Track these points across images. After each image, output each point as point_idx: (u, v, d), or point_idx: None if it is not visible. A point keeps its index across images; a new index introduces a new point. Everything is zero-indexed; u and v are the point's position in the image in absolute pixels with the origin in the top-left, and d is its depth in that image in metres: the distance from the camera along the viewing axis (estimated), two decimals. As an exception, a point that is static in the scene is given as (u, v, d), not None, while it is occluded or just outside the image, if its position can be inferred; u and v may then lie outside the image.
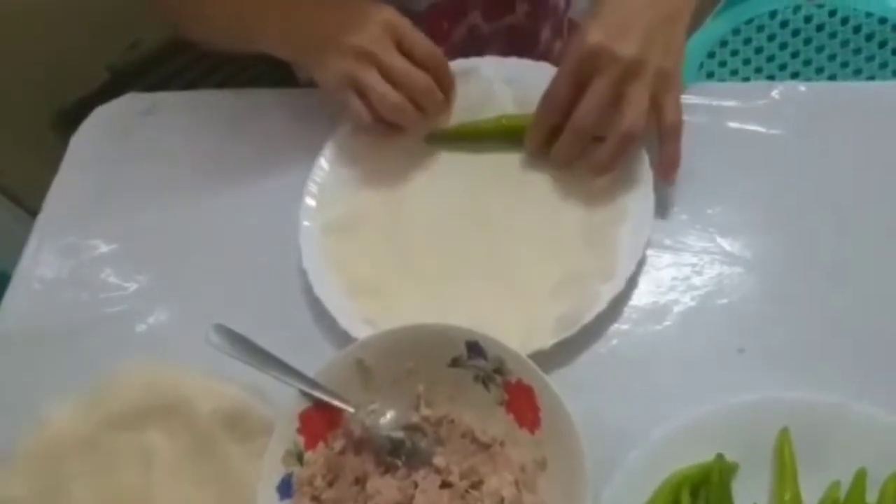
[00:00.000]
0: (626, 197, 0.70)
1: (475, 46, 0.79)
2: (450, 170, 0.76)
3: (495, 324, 0.64)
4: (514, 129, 0.74)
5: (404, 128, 0.74)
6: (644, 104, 0.66)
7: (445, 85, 0.73)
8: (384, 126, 0.73)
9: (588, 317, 0.64)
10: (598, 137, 0.69)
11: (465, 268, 0.71)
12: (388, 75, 0.70)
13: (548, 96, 0.70)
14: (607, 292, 0.65)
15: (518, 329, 0.65)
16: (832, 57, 1.13)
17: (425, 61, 0.71)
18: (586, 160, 0.70)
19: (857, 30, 1.11)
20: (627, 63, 0.65)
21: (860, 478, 0.57)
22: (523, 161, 0.75)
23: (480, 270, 0.71)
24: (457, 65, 0.77)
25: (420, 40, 0.71)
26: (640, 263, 0.68)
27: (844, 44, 1.12)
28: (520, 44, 0.78)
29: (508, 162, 0.75)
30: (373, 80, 0.70)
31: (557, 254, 0.70)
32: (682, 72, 0.69)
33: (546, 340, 0.64)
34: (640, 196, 0.69)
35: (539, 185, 0.74)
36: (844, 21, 1.11)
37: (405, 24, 0.71)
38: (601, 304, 0.65)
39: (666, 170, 0.69)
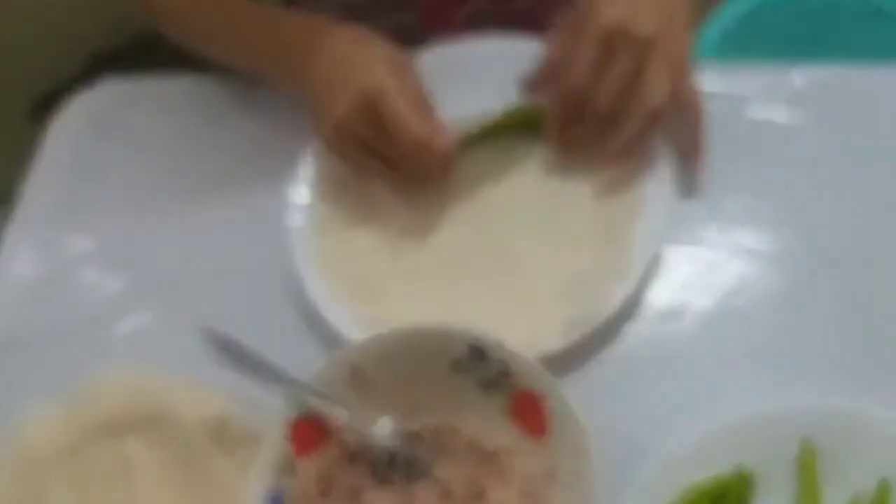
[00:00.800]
0: (641, 190, 0.68)
1: (477, 28, 0.77)
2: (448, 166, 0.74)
3: (499, 326, 0.62)
4: (524, 121, 0.73)
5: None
6: (666, 83, 0.65)
7: (434, 151, 0.69)
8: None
9: (599, 318, 0.63)
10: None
11: (468, 267, 0.70)
12: (363, 145, 0.68)
13: (566, 76, 0.68)
14: (619, 291, 0.64)
15: (524, 331, 0.63)
16: (852, 40, 1.11)
17: (401, 142, 0.66)
18: (606, 146, 0.69)
19: (877, 11, 1.10)
20: (645, 40, 0.64)
21: (883, 490, 0.55)
22: (529, 154, 0.73)
23: (483, 270, 0.70)
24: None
25: (397, 117, 0.65)
26: (656, 259, 0.66)
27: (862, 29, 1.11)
28: (521, 27, 0.77)
29: (512, 154, 0.74)
30: (355, 159, 0.69)
31: (566, 251, 0.69)
32: (693, 53, 0.69)
33: (554, 343, 0.62)
34: (657, 189, 0.68)
35: (546, 179, 0.72)
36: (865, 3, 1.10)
37: (387, 93, 0.65)
38: (613, 305, 0.63)
39: (690, 155, 0.69)
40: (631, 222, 0.67)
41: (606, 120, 0.67)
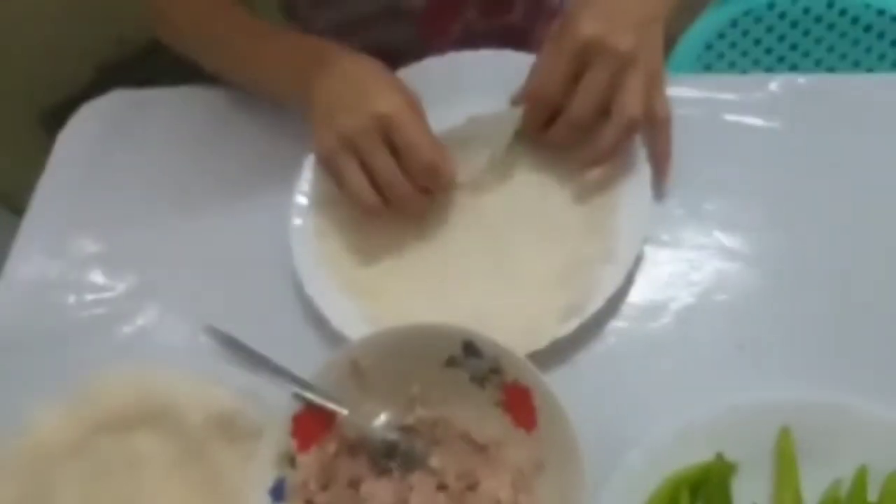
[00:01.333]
0: (623, 183, 0.69)
1: (470, 43, 0.78)
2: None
3: (497, 318, 0.64)
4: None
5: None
6: (642, 93, 0.66)
7: (435, 190, 0.70)
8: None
9: (596, 303, 0.64)
10: None
11: (464, 264, 0.70)
12: (368, 171, 0.67)
13: (540, 87, 0.69)
14: (610, 276, 0.65)
15: (523, 322, 0.65)
16: (830, 48, 1.12)
17: (411, 170, 0.67)
18: (584, 151, 0.69)
19: (855, 21, 1.10)
20: (624, 55, 0.65)
21: (861, 476, 0.56)
22: (517, 153, 0.74)
23: (479, 266, 0.70)
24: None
25: (410, 143, 0.66)
26: (638, 259, 0.67)
27: (843, 35, 1.11)
28: (515, 43, 0.78)
29: (503, 155, 0.74)
30: (349, 174, 0.67)
31: (557, 242, 0.70)
32: (663, 68, 0.70)
33: (553, 331, 0.63)
34: (637, 182, 0.69)
35: (534, 177, 0.73)
36: (843, 12, 1.10)
37: (401, 120, 0.66)
38: (607, 289, 0.64)
39: (660, 163, 0.70)
40: (615, 212, 0.68)
41: (581, 130, 0.68)
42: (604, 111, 0.67)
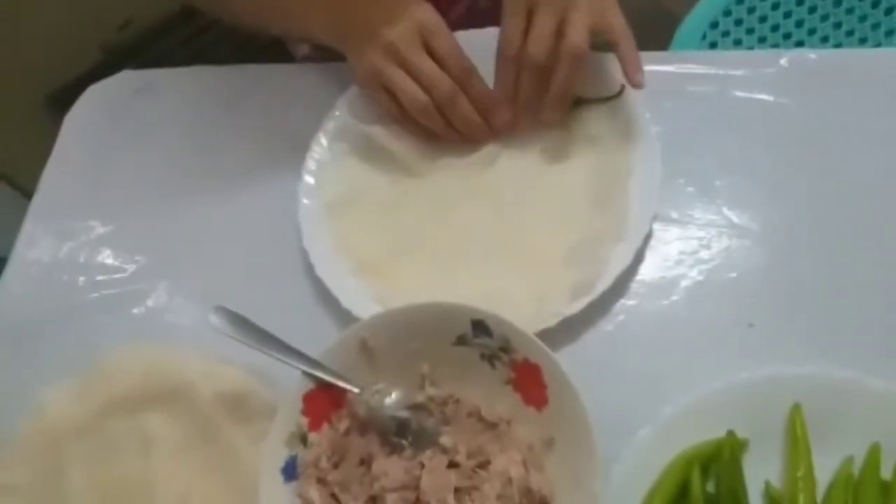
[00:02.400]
0: (631, 158, 0.69)
1: (474, 23, 0.77)
2: (450, 143, 0.75)
3: (507, 296, 0.64)
4: None
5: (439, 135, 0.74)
6: (584, 23, 0.67)
7: (473, 96, 0.72)
8: (418, 127, 0.74)
9: (606, 280, 0.64)
10: None
11: (473, 241, 0.71)
12: (413, 75, 0.70)
13: (501, 49, 0.71)
14: (621, 253, 0.65)
15: (533, 300, 0.65)
16: (837, 25, 1.11)
17: (450, 69, 0.70)
18: (549, 98, 0.70)
19: (862, -3, 1.10)
20: None
21: (874, 453, 0.56)
22: (525, 129, 0.74)
23: (489, 245, 0.70)
24: None
25: (447, 45, 0.70)
26: (648, 236, 0.67)
27: (849, 11, 1.11)
28: None
29: (510, 135, 0.75)
30: (399, 78, 0.70)
31: (566, 220, 0.70)
32: None
33: (563, 309, 0.63)
34: (645, 156, 0.68)
35: (542, 153, 0.73)
36: (849, -12, 1.10)
37: (439, 27, 0.70)
38: (617, 267, 0.64)
39: (631, 72, 0.69)
40: (624, 189, 0.68)
41: (541, 69, 0.69)
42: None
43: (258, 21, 0.82)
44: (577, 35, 0.67)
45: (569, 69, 0.68)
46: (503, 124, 0.73)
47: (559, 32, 0.67)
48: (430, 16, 0.71)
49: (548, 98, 0.70)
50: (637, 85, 0.68)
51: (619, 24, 0.69)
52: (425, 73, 0.69)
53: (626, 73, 0.69)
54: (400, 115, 0.73)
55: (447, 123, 0.72)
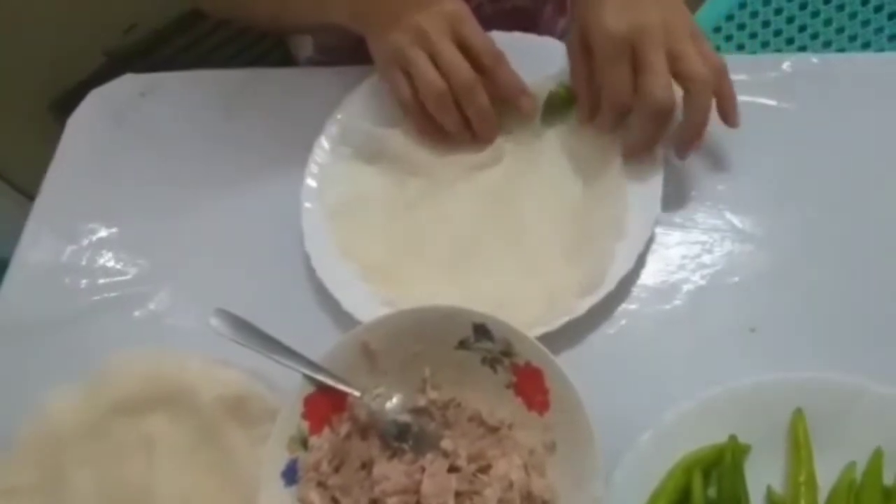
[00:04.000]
0: (634, 159, 0.69)
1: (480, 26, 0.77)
2: (452, 146, 0.75)
3: (516, 296, 0.65)
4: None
5: (448, 133, 0.73)
6: (698, 54, 0.63)
7: (504, 83, 0.71)
8: (427, 123, 0.73)
9: (611, 282, 0.64)
10: None
11: (476, 243, 0.71)
12: (436, 61, 0.69)
13: (612, 98, 0.66)
14: (625, 254, 0.65)
15: (537, 302, 0.65)
16: (840, 30, 1.11)
17: (480, 55, 0.70)
18: (627, 145, 0.68)
19: (865, 2, 1.09)
20: (661, 25, 0.63)
21: (876, 458, 0.56)
22: (526, 132, 0.74)
23: (493, 246, 0.70)
24: None
25: (479, 34, 0.70)
26: (650, 240, 0.67)
27: (853, 16, 1.11)
28: (522, 24, 0.78)
29: (511, 133, 0.75)
30: (421, 61, 0.69)
31: (569, 218, 0.70)
32: (691, 22, 0.66)
33: (567, 312, 0.63)
34: (647, 157, 0.68)
35: (544, 154, 0.73)
36: (852, -7, 1.10)
37: (469, 20, 0.70)
38: (624, 267, 0.64)
39: (727, 115, 0.66)
40: (624, 191, 0.68)
41: (624, 110, 0.66)
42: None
43: (273, 10, 0.81)
44: (700, 64, 0.62)
45: (706, 99, 0.64)
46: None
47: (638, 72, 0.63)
48: (460, 6, 0.70)
49: (689, 135, 0.66)
50: (734, 125, 0.66)
51: (716, 59, 0.65)
52: (448, 59, 0.69)
53: (722, 113, 0.66)
54: (413, 101, 0.71)
55: (460, 120, 0.71)
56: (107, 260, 0.77)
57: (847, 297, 0.64)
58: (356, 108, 0.76)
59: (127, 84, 0.89)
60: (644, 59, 0.63)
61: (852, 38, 1.11)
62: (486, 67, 0.70)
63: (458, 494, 0.57)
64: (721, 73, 0.65)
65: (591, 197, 0.70)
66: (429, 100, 0.70)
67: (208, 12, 0.86)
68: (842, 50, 1.11)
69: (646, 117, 0.64)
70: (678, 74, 0.63)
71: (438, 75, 0.68)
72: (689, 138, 0.66)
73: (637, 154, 0.68)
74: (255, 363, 0.63)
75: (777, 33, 1.13)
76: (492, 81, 0.70)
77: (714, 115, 0.66)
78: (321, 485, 0.59)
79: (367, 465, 0.60)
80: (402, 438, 0.60)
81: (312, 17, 0.79)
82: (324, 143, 0.75)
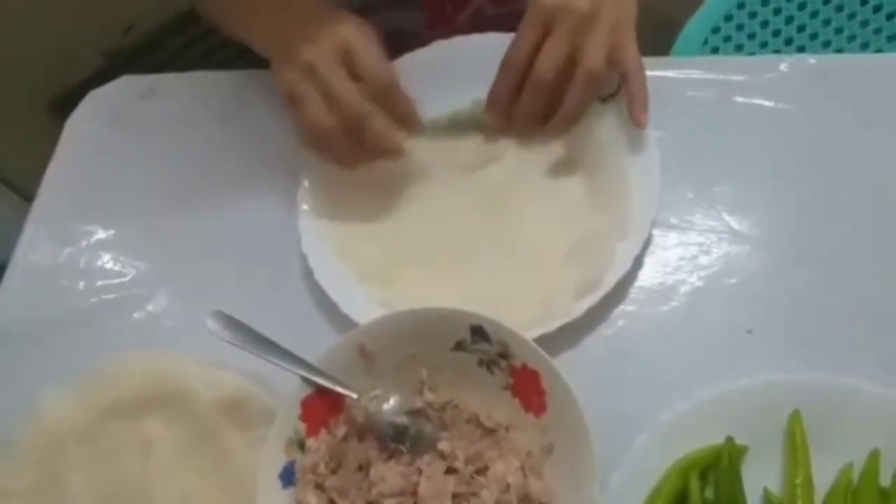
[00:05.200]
0: (630, 162, 0.69)
1: (479, 30, 0.78)
2: (448, 148, 0.75)
3: (514, 297, 0.65)
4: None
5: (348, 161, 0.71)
6: (602, 50, 0.67)
7: (394, 112, 0.69)
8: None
9: (606, 285, 0.64)
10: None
11: (474, 244, 0.71)
12: (325, 96, 0.67)
13: (509, 58, 0.70)
14: (626, 250, 0.65)
15: (535, 303, 0.65)
16: (839, 30, 1.11)
17: (369, 84, 0.67)
18: (554, 117, 0.71)
19: (864, 2, 1.09)
20: (581, 15, 0.67)
21: (873, 460, 0.56)
22: (522, 134, 0.74)
23: (490, 247, 0.70)
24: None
25: (367, 62, 0.67)
26: (647, 242, 0.67)
27: (851, 16, 1.11)
28: None
29: (507, 136, 0.75)
30: (307, 99, 0.67)
31: (567, 218, 0.70)
32: (634, 23, 0.70)
33: (566, 313, 0.63)
34: (644, 159, 0.69)
35: (541, 156, 0.73)
36: (851, -7, 1.10)
37: (360, 46, 0.67)
38: (622, 265, 0.64)
39: (637, 112, 0.69)
40: (623, 192, 0.68)
41: (548, 90, 0.69)
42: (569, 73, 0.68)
43: (218, 20, 0.81)
44: (595, 60, 0.67)
45: (583, 91, 0.69)
46: (499, 129, 0.73)
47: (573, 55, 0.67)
48: (353, 30, 0.68)
49: (558, 116, 0.71)
50: (641, 125, 0.68)
51: (633, 59, 0.69)
52: (335, 93, 0.66)
53: (630, 111, 0.69)
54: (307, 141, 0.70)
55: (349, 152, 0.69)
56: (105, 262, 0.77)
57: (844, 299, 0.64)
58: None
59: (125, 85, 0.89)
60: (548, 36, 0.68)
61: (851, 39, 1.11)
62: (375, 95, 0.68)
63: (455, 496, 0.57)
64: (633, 73, 0.69)
65: (590, 197, 0.70)
66: (311, 138, 0.69)
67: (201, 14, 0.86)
68: (840, 50, 1.11)
69: (529, 86, 0.69)
70: (574, 61, 0.68)
71: (325, 112, 0.67)
72: (561, 121, 0.71)
73: (568, 123, 0.71)
74: (253, 365, 0.63)
75: (776, 33, 1.13)
76: (383, 108, 0.69)
77: (714, 119, 0.66)
78: (318, 487, 0.59)
79: (364, 467, 0.60)
80: (399, 440, 0.60)
81: (238, 36, 0.77)
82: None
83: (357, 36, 0.68)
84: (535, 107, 0.71)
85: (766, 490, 0.57)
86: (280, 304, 0.70)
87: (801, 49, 1.12)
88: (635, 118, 0.69)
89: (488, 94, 0.72)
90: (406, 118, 0.70)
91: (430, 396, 0.62)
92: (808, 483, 0.56)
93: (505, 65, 0.71)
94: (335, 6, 0.74)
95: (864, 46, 1.10)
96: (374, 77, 0.67)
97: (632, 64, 0.69)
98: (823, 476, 0.56)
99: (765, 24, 1.13)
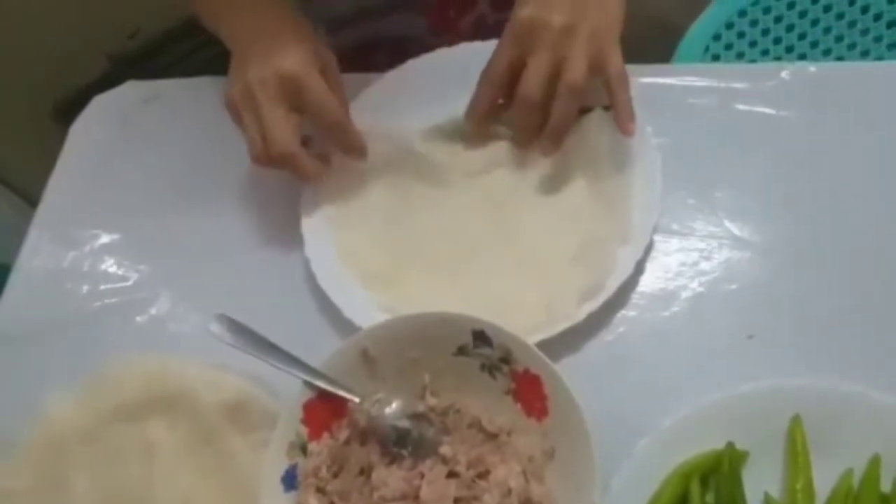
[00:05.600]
0: (631, 169, 0.70)
1: (481, 36, 0.78)
2: (451, 154, 0.75)
3: (517, 302, 0.65)
4: None
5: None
6: (583, 62, 0.67)
7: (345, 146, 0.71)
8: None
9: (614, 283, 0.64)
10: None
11: (478, 248, 0.71)
12: (258, 124, 0.68)
13: (488, 72, 0.71)
14: (628, 255, 0.65)
15: (538, 308, 0.65)
16: (839, 38, 1.12)
17: (320, 122, 0.69)
18: (547, 132, 0.70)
19: (864, 10, 1.10)
20: (560, 29, 0.67)
21: (874, 465, 0.56)
22: (522, 145, 0.74)
23: (493, 252, 0.70)
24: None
25: (316, 100, 0.68)
26: (649, 247, 0.67)
27: (852, 25, 1.11)
28: None
29: (511, 141, 0.75)
30: (245, 122, 0.68)
31: (569, 224, 0.70)
32: (619, 29, 0.70)
33: (568, 318, 0.63)
34: (646, 166, 0.69)
35: (543, 163, 0.73)
36: (852, 2, 1.10)
37: (306, 83, 0.67)
38: (624, 270, 0.64)
39: (623, 121, 0.69)
40: (625, 199, 0.68)
41: (536, 107, 0.69)
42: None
43: (198, 12, 0.80)
44: (576, 72, 0.66)
45: (566, 105, 0.68)
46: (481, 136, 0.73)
47: (557, 67, 0.67)
48: (296, 65, 0.67)
49: (546, 132, 0.70)
50: (628, 133, 0.68)
51: (615, 67, 0.68)
52: (267, 126, 0.67)
53: (617, 120, 0.69)
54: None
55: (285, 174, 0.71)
56: (108, 265, 0.77)
57: (845, 305, 0.64)
58: (358, 115, 0.76)
59: (130, 90, 0.89)
60: (530, 53, 0.68)
61: (851, 47, 1.12)
62: (323, 129, 0.69)
63: (456, 500, 0.57)
64: (617, 82, 0.68)
65: (592, 203, 0.70)
66: (251, 158, 0.70)
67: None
68: (841, 58, 1.12)
69: (518, 105, 0.69)
70: (556, 76, 0.67)
71: (258, 141, 0.68)
72: (549, 137, 0.70)
73: (558, 137, 0.70)
74: (255, 368, 0.63)
75: (777, 41, 1.13)
76: (330, 140, 0.70)
77: (715, 126, 0.66)
78: (320, 490, 0.59)
79: (366, 471, 0.60)
80: (401, 444, 0.60)
81: (213, 31, 0.78)
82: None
83: (305, 69, 0.68)
84: (530, 121, 0.70)
85: (766, 495, 0.57)
86: (283, 307, 0.70)
87: (802, 57, 1.12)
88: (622, 127, 0.68)
89: (468, 106, 0.73)
90: (352, 150, 0.72)
91: (432, 401, 0.62)
92: (809, 488, 0.56)
93: (483, 78, 0.71)
94: (327, 13, 0.75)
95: (865, 54, 1.11)
96: (321, 112, 0.68)
97: (613, 71, 0.68)
98: (824, 481, 0.56)
99: (766, 32, 1.13)
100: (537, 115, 0.70)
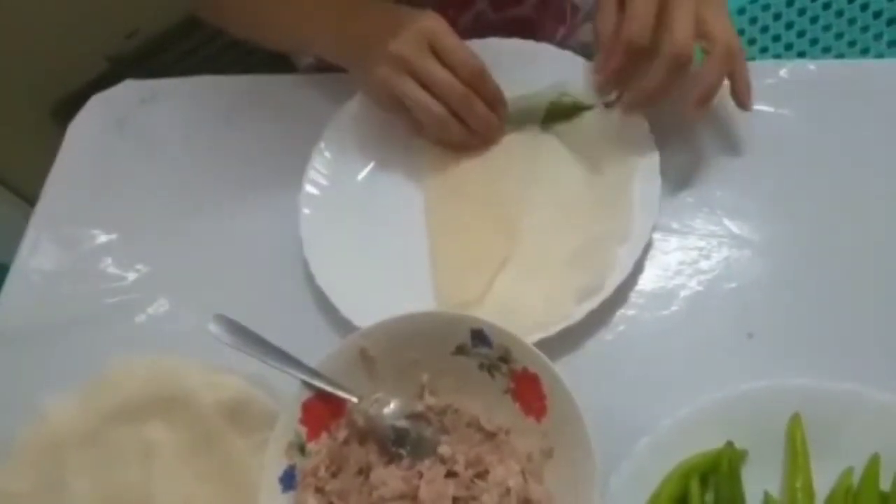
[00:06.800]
0: (630, 167, 0.69)
1: (480, 35, 0.78)
2: (452, 152, 0.75)
3: (515, 303, 0.65)
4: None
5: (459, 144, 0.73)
6: (690, 24, 0.63)
7: (486, 96, 0.71)
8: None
9: (613, 282, 0.64)
10: None
11: (478, 247, 0.70)
12: (423, 82, 0.68)
13: (637, 29, 0.65)
14: (627, 254, 0.65)
15: (541, 305, 0.65)
16: (839, 35, 1.12)
17: (460, 71, 0.69)
18: (635, 90, 0.68)
19: (864, 7, 1.10)
20: None
21: (873, 464, 0.56)
22: (527, 138, 0.75)
23: (494, 248, 0.70)
24: None
25: (455, 49, 0.69)
26: (648, 246, 0.67)
27: (851, 22, 1.11)
28: (523, 32, 0.78)
29: (512, 139, 0.75)
30: (410, 90, 0.68)
31: (568, 223, 0.70)
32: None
33: (569, 316, 0.63)
34: (644, 164, 0.69)
35: (544, 160, 0.73)
36: (852, -1, 1.10)
37: (445, 32, 0.69)
38: (623, 269, 0.64)
39: (741, 95, 0.67)
40: (624, 196, 0.68)
41: (640, 54, 0.65)
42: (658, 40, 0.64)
43: (251, 34, 0.81)
44: (684, 38, 0.62)
45: (670, 71, 0.64)
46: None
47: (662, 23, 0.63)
48: (435, 22, 0.69)
49: (637, 93, 0.67)
50: (746, 108, 0.67)
51: (723, 33, 0.65)
52: (437, 80, 0.68)
53: (733, 94, 0.67)
54: (422, 129, 0.72)
55: (463, 131, 0.72)
56: (107, 266, 0.77)
57: (844, 304, 0.64)
58: (356, 115, 0.76)
59: (128, 90, 0.89)
60: (671, 11, 0.63)
61: (851, 44, 1.12)
62: (464, 80, 0.69)
63: (455, 500, 0.57)
64: (738, 54, 0.66)
65: (591, 202, 0.70)
66: (431, 126, 0.71)
67: (205, 19, 0.86)
68: (840, 55, 1.12)
69: (663, 64, 0.64)
70: (703, 35, 0.64)
71: (432, 99, 0.68)
72: (700, 97, 0.66)
73: (644, 102, 0.68)
74: (254, 369, 0.63)
75: (776, 38, 1.13)
76: (473, 91, 0.70)
77: (714, 124, 0.65)
78: (319, 490, 0.59)
79: (364, 471, 0.60)
80: (399, 444, 0.60)
81: (293, 47, 0.79)
82: (323, 150, 0.75)
83: (440, 25, 0.69)
84: (624, 69, 0.67)
85: (766, 494, 0.57)
86: (282, 307, 0.70)
87: (802, 54, 1.12)
88: (741, 100, 0.67)
89: (597, 60, 0.70)
90: (495, 100, 0.72)
91: (430, 400, 0.62)
92: (808, 487, 0.56)
93: (629, 43, 0.65)
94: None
95: (865, 52, 1.11)
96: (463, 63, 0.69)
97: (722, 37, 0.64)
98: (823, 480, 0.56)
99: (765, 30, 1.13)
100: (635, 64, 0.66)
